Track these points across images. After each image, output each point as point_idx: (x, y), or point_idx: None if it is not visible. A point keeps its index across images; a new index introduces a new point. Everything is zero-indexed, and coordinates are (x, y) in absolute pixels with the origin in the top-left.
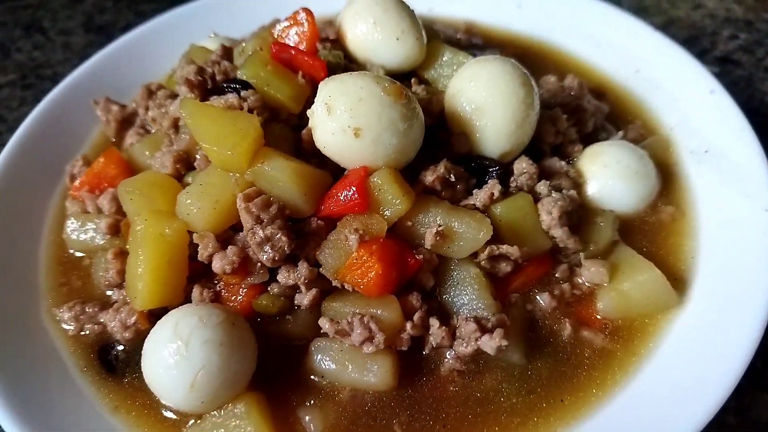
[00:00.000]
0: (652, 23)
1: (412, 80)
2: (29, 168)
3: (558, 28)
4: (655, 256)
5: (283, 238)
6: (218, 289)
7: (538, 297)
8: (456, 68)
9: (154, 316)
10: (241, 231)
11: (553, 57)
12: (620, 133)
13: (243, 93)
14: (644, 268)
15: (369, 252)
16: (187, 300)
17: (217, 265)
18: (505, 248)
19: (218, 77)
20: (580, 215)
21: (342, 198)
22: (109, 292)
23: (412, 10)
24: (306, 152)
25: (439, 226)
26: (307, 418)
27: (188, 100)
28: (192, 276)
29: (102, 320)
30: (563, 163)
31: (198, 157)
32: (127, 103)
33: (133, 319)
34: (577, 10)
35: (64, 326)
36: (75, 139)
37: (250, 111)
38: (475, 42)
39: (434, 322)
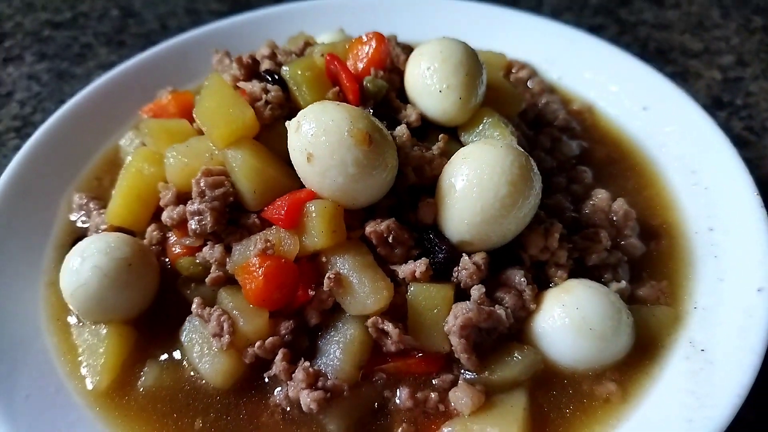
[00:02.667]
0: None
1: (441, 136)
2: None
3: (669, 144)
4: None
5: (209, 219)
6: (168, 235)
7: (399, 390)
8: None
9: (123, 230)
10: None
11: (648, 171)
12: (624, 282)
13: (269, 86)
14: (505, 426)
15: (261, 264)
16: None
17: (163, 215)
18: (389, 327)
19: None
20: (503, 338)
21: (275, 208)
22: None
23: (479, 70)
24: None
25: (338, 273)
26: (144, 371)
27: (216, 74)
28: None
29: (90, 216)
30: (523, 280)
31: None
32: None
33: (104, 226)
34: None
35: (72, 211)
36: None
37: (267, 104)
38: (572, 126)
39: (280, 354)
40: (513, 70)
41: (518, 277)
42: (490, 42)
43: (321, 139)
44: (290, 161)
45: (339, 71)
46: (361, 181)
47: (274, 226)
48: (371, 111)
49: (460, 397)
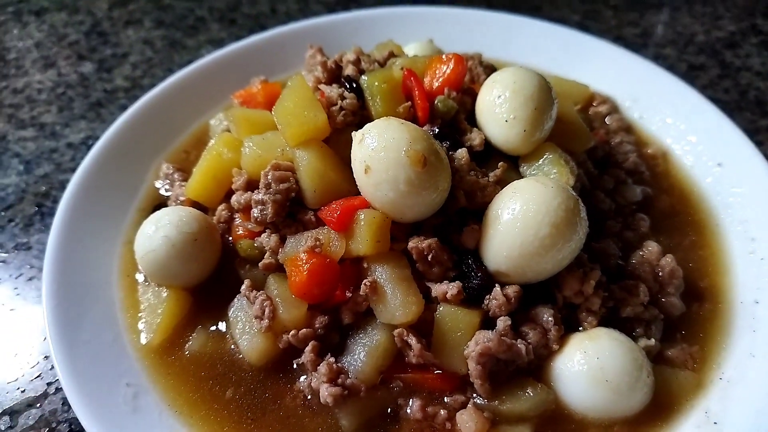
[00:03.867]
0: None
1: (501, 164)
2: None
3: (734, 206)
4: None
5: (270, 210)
6: (235, 216)
7: (412, 400)
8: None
9: (197, 205)
10: None
11: (708, 230)
12: (654, 340)
13: (346, 93)
14: None
15: (308, 260)
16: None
17: (233, 198)
18: (413, 340)
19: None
20: (520, 372)
21: (330, 210)
22: None
23: (550, 105)
24: None
25: (375, 281)
26: (192, 336)
27: (299, 75)
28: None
29: (173, 186)
30: (550, 320)
31: None
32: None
33: (182, 198)
34: None
35: (159, 178)
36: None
37: (341, 109)
38: (641, 170)
39: (310, 346)
40: (594, 103)
41: (546, 316)
42: (577, 70)
43: (380, 154)
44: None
45: (414, 87)
46: (410, 199)
47: (326, 227)
48: (437, 130)
49: (466, 420)
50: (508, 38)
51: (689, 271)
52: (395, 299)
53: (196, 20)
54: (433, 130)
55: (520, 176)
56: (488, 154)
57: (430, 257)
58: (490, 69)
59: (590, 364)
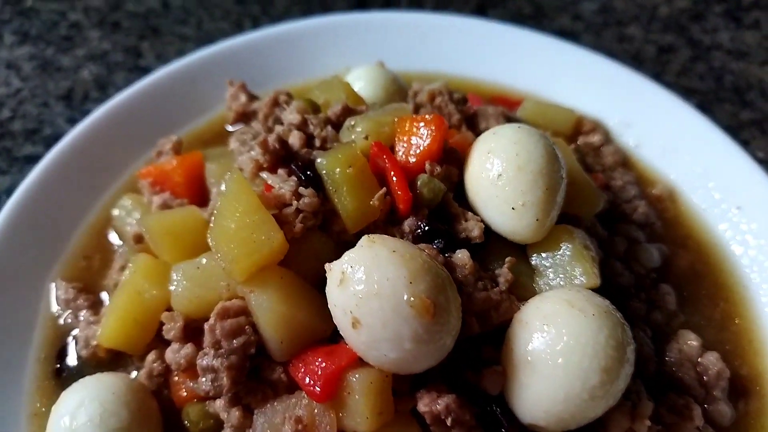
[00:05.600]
0: None
1: (508, 260)
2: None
3: (763, 262)
4: None
5: (226, 381)
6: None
7: None
8: (565, 280)
9: (113, 351)
10: None
11: (737, 295)
12: None
13: (301, 189)
14: None
15: None
16: (147, 352)
17: (168, 355)
18: None
19: (314, 141)
20: None
21: (307, 373)
22: (104, 295)
23: (561, 179)
24: None
25: None
26: None
27: (235, 170)
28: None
29: (79, 320)
30: None
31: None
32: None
33: (95, 342)
34: None
35: (54, 302)
36: (179, 114)
37: (298, 211)
38: (651, 222)
39: None
40: (583, 130)
41: None
42: (552, 86)
43: (371, 303)
44: (323, 285)
45: (388, 168)
46: (418, 355)
47: (304, 396)
48: (425, 227)
49: None
50: (463, 47)
51: (726, 355)
52: None
53: (69, 28)
54: (419, 227)
55: (532, 270)
56: (486, 240)
57: (449, 420)
58: (461, 102)
59: None
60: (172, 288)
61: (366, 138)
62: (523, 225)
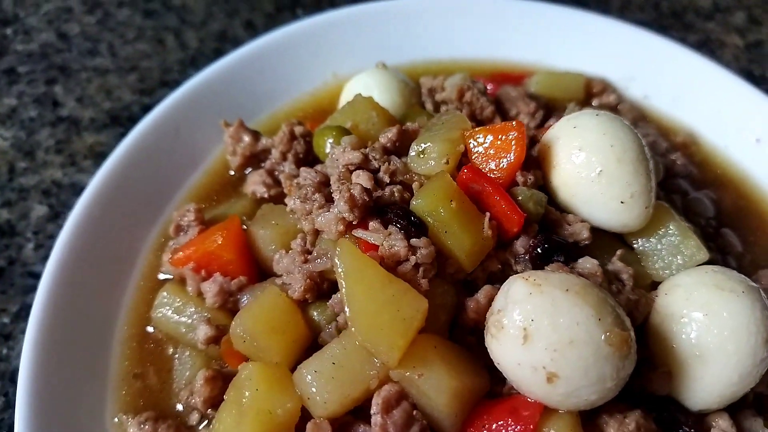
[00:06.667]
0: None
1: (619, 251)
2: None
3: None
4: None
5: None
6: None
7: None
8: (681, 258)
9: None
10: (362, 419)
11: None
12: None
13: (413, 241)
14: None
15: None
16: None
17: None
18: None
19: (381, 177)
20: None
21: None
22: (179, 407)
23: (650, 162)
24: (465, 326)
25: None
26: None
27: (347, 246)
28: None
29: None
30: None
31: (338, 307)
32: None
33: None
34: None
35: None
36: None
37: (417, 266)
38: (690, 171)
39: None
40: (594, 92)
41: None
42: (548, 52)
43: (568, 355)
44: (459, 327)
45: (487, 193)
46: (616, 389)
47: None
48: (545, 245)
49: None
50: (462, 25)
51: None
52: None
53: None
54: (538, 245)
55: (636, 256)
56: None
57: None
58: (484, 91)
59: None
60: (307, 397)
61: (446, 162)
62: (633, 216)
